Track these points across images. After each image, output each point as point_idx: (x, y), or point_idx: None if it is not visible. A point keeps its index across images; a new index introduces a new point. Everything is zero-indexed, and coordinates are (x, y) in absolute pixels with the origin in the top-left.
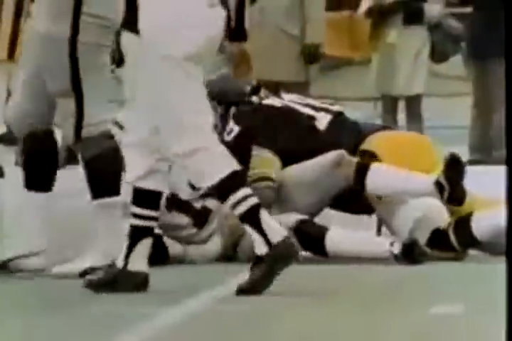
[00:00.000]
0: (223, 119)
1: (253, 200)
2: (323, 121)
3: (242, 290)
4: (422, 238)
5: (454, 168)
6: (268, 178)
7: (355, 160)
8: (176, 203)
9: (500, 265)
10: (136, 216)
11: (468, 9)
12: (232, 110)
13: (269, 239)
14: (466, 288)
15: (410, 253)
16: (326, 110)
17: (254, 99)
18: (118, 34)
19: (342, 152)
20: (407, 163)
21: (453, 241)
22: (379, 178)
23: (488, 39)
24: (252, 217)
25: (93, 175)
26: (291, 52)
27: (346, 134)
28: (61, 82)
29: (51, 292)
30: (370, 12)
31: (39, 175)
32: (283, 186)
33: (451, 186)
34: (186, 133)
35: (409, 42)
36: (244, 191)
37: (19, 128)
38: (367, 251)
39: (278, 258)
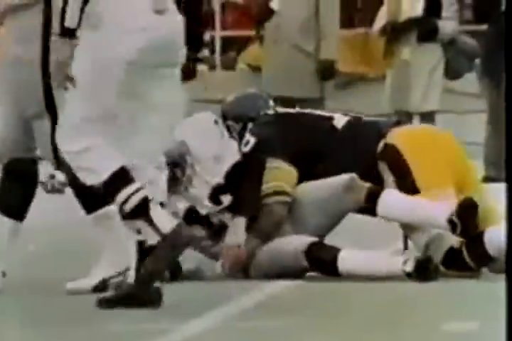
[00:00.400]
0: (241, 134)
1: (141, 194)
2: (340, 120)
3: (139, 281)
4: (437, 257)
5: (467, 211)
6: (283, 192)
7: (366, 185)
8: (194, 216)
9: None
10: (139, 231)
11: (483, 27)
12: (250, 125)
13: (160, 230)
14: (479, 305)
15: (424, 271)
16: (344, 114)
17: (270, 111)
18: None
19: (353, 176)
20: (429, 156)
21: (467, 260)
22: (391, 206)
23: (502, 56)
24: (141, 211)
25: (79, 191)
26: (307, 69)
27: (365, 131)
28: (35, 103)
29: (65, 308)
30: (384, 29)
31: (13, 202)
32: (296, 203)
33: (464, 225)
34: (80, 131)
35: (423, 59)
36: (132, 187)
37: (0, 156)
38: (380, 270)
39: (169, 246)
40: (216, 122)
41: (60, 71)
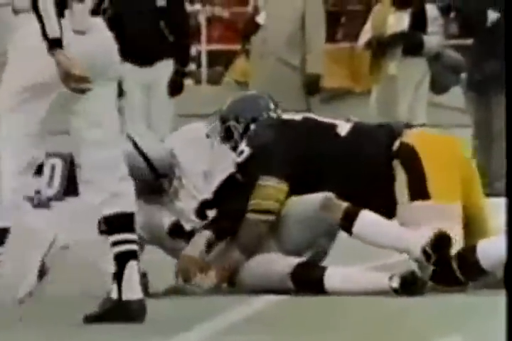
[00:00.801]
0: (242, 136)
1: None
2: (344, 127)
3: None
4: (426, 272)
5: (442, 243)
6: (267, 212)
7: (344, 204)
8: (178, 231)
9: (500, 297)
10: (114, 244)
11: (469, 41)
12: (252, 127)
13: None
14: (466, 319)
15: (409, 286)
16: (347, 120)
17: (273, 114)
18: None
19: (330, 195)
20: (444, 162)
21: (458, 274)
22: (366, 228)
23: (488, 71)
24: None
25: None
26: (293, 82)
27: (373, 135)
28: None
29: (51, 323)
30: (369, 44)
31: None
32: (280, 220)
33: (437, 256)
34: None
35: (409, 74)
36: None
37: None
38: (366, 287)
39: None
40: (208, 135)
41: (70, 78)
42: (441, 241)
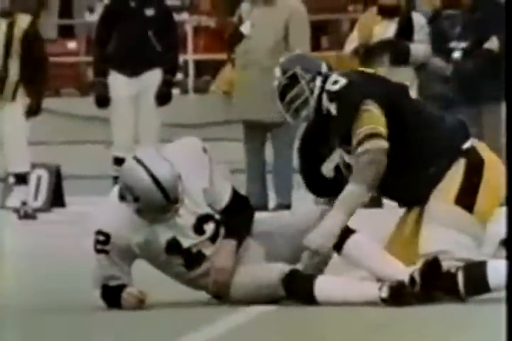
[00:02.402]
0: (310, 86)
1: None
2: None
3: None
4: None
5: (430, 270)
6: (380, 135)
7: None
8: (175, 247)
9: (494, 306)
10: None
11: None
12: (318, 79)
13: None
14: (459, 328)
15: (398, 296)
16: None
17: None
18: None
19: (327, 209)
20: (497, 180)
21: (460, 287)
22: (356, 249)
23: (476, 78)
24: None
25: None
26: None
27: (446, 122)
28: None
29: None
30: (356, 51)
31: None
32: (271, 232)
33: (424, 284)
34: None
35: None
36: None
37: None
38: (356, 296)
39: None
40: (205, 150)
41: None
42: (431, 268)
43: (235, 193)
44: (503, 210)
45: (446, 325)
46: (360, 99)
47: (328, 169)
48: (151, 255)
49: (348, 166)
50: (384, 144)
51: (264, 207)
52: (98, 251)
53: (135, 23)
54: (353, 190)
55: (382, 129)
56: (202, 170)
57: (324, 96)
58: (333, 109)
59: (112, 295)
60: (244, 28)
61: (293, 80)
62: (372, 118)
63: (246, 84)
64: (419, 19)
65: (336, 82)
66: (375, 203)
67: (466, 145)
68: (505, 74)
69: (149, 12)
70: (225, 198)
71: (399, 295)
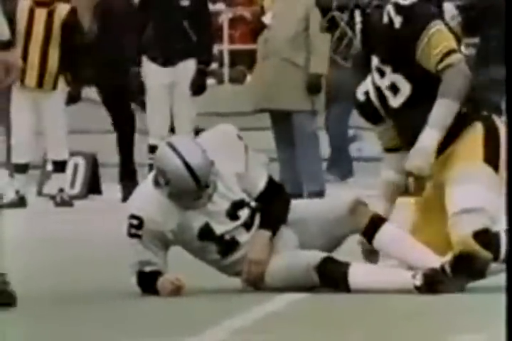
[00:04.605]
0: (350, 25)
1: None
2: None
3: None
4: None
5: (463, 264)
6: (457, 50)
7: (371, 211)
8: (208, 234)
9: None
10: None
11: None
12: (357, 12)
13: None
14: (488, 318)
15: (432, 284)
16: None
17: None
18: None
19: (359, 198)
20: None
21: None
22: (388, 238)
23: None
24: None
25: None
26: (297, 82)
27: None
28: None
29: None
30: None
31: None
32: (301, 224)
33: (455, 275)
34: None
35: None
36: None
37: None
38: (390, 284)
39: None
40: (240, 137)
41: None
42: (462, 261)
43: (271, 180)
44: None
45: (481, 314)
46: (430, 18)
47: (361, 92)
48: (185, 241)
49: (378, 90)
50: (462, 57)
51: (299, 195)
52: (131, 235)
53: (171, 13)
54: (443, 105)
55: (456, 45)
56: (237, 156)
57: (390, 8)
58: (398, 21)
59: (148, 282)
60: (266, 18)
61: (332, 24)
62: (445, 36)
63: (267, 74)
64: (450, 8)
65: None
66: None
67: (485, 112)
68: (505, 73)
69: (185, 2)
70: (260, 184)
71: (433, 282)
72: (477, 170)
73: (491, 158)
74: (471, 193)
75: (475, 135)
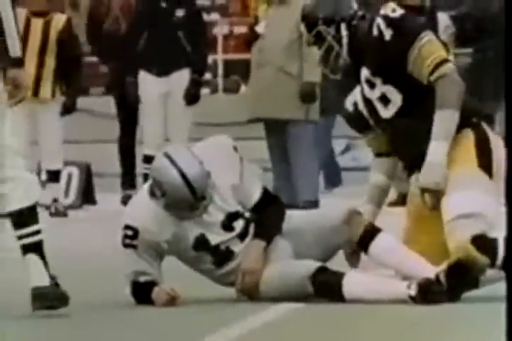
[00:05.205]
0: (336, 38)
1: (40, 237)
2: None
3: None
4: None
5: (458, 273)
6: (448, 60)
7: (366, 221)
8: (203, 244)
9: None
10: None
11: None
12: (343, 26)
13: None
14: (486, 328)
15: (427, 294)
16: None
17: (360, 12)
18: None
19: (354, 208)
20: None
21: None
22: (383, 248)
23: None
24: (36, 249)
25: None
26: (291, 91)
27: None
28: None
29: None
30: None
31: None
32: (297, 234)
33: (449, 285)
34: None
35: None
36: (38, 226)
37: None
38: (384, 294)
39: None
40: (235, 149)
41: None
42: (457, 271)
43: (266, 191)
44: None
45: (478, 324)
46: (420, 29)
47: (350, 103)
48: (179, 251)
49: (368, 101)
50: (454, 67)
51: (293, 205)
52: (126, 246)
53: (165, 24)
54: (444, 117)
55: (447, 55)
56: (232, 167)
57: (380, 21)
58: (388, 34)
59: (142, 292)
60: (259, 28)
61: (319, 38)
62: (436, 46)
63: (260, 83)
64: (444, 19)
65: (394, 10)
66: None
67: (474, 119)
68: (505, 74)
69: (180, 13)
70: (255, 195)
71: (427, 292)
72: (473, 176)
73: (485, 164)
74: (469, 199)
75: (467, 141)
